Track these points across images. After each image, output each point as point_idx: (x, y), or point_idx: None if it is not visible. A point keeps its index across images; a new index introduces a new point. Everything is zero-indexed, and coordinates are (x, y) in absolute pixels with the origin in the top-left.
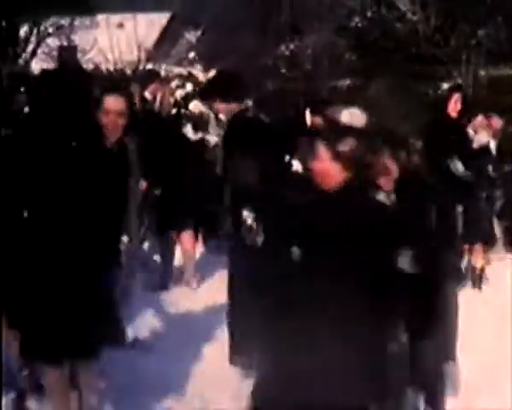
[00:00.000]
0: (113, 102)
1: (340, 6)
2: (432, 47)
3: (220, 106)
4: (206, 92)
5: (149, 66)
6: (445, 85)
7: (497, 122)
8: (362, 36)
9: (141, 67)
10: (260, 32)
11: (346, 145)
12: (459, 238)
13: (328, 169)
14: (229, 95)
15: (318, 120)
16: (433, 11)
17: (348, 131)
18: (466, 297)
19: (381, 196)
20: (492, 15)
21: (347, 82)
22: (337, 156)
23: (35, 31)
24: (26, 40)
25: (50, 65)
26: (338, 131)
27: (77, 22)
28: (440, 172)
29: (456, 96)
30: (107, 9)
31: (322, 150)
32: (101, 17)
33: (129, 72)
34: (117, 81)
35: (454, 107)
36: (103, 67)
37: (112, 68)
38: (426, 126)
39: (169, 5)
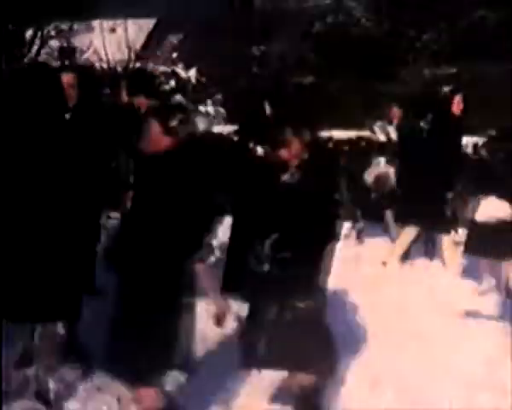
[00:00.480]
0: (65, 78)
1: (304, 13)
2: (383, 49)
3: (141, 101)
4: (130, 88)
5: (138, 64)
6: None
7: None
8: (323, 39)
9: (130, 66)
10: (235, 35)
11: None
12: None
13: (159, 140)
14: (150, 91)
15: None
16: (384, 17)
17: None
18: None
19: (286, 176)
20: (435, 21)
21: (310, 80)
22: (168, 130)
23: (39, 34)
24: (31, 42)
25: (52, 63)
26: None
27: (75, 27)
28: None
29: (458, 98)
30: (101, 16)
31: (155, 126)
32: (96, 22)
33: (120, 69)
34: (109, 77)
35: (457, 106)
36: (98, 66)
37: (105, 66)
38: (433, 121)
39: (155, 12)
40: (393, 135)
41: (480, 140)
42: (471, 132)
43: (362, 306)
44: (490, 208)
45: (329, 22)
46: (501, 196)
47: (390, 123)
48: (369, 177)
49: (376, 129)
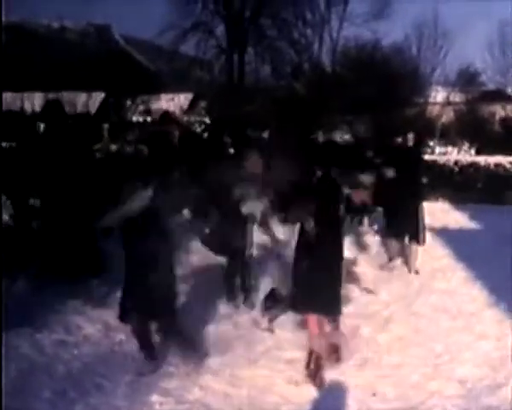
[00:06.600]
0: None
1: (272, 89)
2: (314, 106)
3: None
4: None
5: (185, 117)
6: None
7: None
8: (282, 101)
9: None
10: (233, 101)
11: None
12: None
13: None
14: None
15: None
16: (313, 91)
17: None
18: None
19: None
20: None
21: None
22: None
23: (132, 102)
24: (129, 107)
25: (140, 119)
26: None
27: (151, 98)
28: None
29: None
30: (165, 91)
31: None
32: (162, 95)
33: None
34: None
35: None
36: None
37: None
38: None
39: (194, 89)
40: None
41: None
42: None
43: None
44: None
45: (285, 93)
46: None
47: None
48: None
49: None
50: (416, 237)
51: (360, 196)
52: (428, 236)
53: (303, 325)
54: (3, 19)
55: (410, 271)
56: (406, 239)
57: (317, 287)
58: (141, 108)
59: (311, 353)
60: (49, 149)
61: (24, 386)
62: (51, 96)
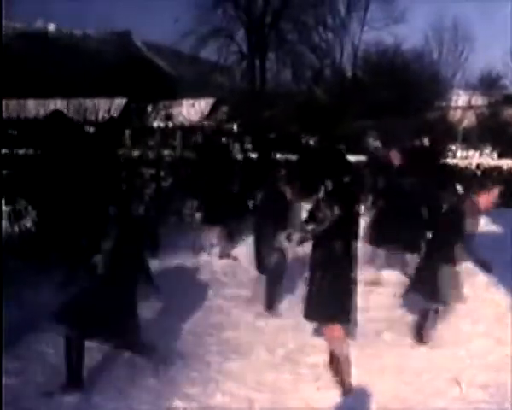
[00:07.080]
0: None
1: (292, 94)
2: (334, 111)
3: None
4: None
5: (205, 122)
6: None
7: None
8: (303, 105)
9: (202, 123)
10: (254, 106)
11: None
12: None
13: None
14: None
15: None
16: (331, 98)
17: None
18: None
19: None
20: (357, 97)
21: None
22: None
23: (154, 108)
24: (151, 113)
25: (162, 123)
26: None
27: (173, 103)
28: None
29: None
30: (186, 97)
31: None
32: (184, 100)
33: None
34: (191, 128)
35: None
36: (185, 123)
37: (188, 124)
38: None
39: (215, 95)
40: None
41: None
42: None
43: None
44: None
45: (305, 99)
46: None
47: None
48: None
49: None
50: None
51: (487, 201)
52: None
53: (319, 332)
54: (30, 27)
55: None
56: None
57: (329, 297)
58: (162, 113)
59: (332, 358)
60: (62, 157)
61: (47, 390)
62: (74, 102)
